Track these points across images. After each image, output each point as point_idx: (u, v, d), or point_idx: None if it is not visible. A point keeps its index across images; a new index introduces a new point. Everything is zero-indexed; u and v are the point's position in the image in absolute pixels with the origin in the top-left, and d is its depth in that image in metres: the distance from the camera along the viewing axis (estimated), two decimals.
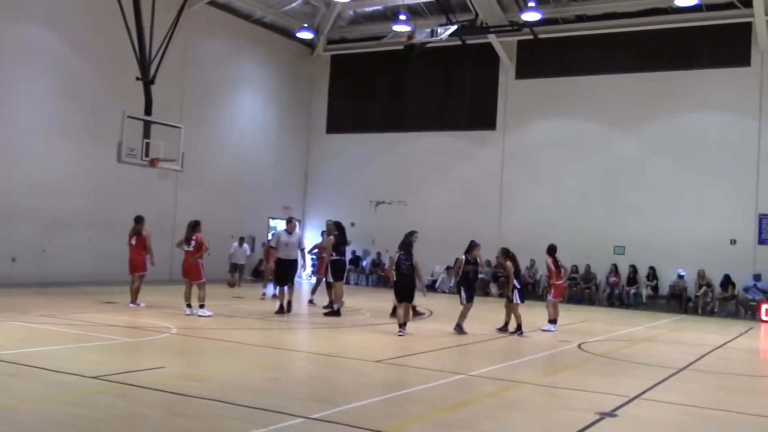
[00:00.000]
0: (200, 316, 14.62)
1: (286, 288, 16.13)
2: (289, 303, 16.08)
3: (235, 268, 24.19)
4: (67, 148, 21.48)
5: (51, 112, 21.29)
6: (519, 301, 14.77)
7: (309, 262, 27.11)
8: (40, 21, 20.93)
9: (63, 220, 21.28)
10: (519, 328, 14.54)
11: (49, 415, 6.69)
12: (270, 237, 21.14)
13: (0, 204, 19.82)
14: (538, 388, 9.49)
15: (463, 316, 14.35)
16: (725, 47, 24.58)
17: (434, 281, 27.57)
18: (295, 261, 16.33)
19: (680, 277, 23.54)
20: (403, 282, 13.59)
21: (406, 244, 13.78)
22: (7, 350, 9.72)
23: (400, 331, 13.40)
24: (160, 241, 20.71)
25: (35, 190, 20.60)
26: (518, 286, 14.90)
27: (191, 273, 15.01)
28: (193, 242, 15.05)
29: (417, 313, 16.36)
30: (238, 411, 7.15)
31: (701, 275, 23.21)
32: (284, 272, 16.11)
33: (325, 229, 18.11)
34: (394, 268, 13.66)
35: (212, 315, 14.74)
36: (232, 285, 23.29)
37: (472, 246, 14.67)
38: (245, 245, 24.59)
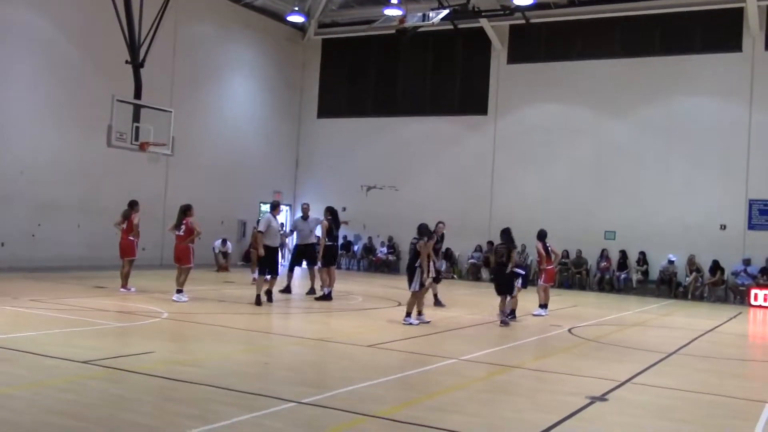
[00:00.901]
0: (175, 301, 14.44)
1: (268, 276, 14.91)
2: (270, 292, 15.04)
3: (222, 255, 24.25)
4: (56, 133, 21.33)
5: (40, 96, 21.12)
6: (521, 286, 14.77)
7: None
8: (28, 4, 20.72)
9: (52, 205, 21.16)
10: (512, 312, 14.54)
11: (39, 400, 6.67)
12: (258, 221, 20.37)
13: None
14: (528, 372, 9.53)
15: (509, 304, 13.97)
16: (717, 32, 24.59)
17: None
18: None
19: (671, 262, 23.63)
20: (407, 268, 13.35)
21: (422, 230, 13.21)
22: None
23: (405, 320, 13.08)
24: (151, 225, 20.71)
25: (25, 174, 20.48)
26: (522, 272, 14.88)
27: (182, 257, 14.96)
28: (183, 227, 14.99)
29: (438, 303, 16.27)
30: (228, 395, 7.15)
31: (691, 261, 23.31)
32: (271, 259, 14.92)
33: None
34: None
35: (187, 300, 14.58)
36: (225, 269, 23.40)
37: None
38: (228, 243, 24.58)
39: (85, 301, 13.97)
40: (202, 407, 6.68)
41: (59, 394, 6.95)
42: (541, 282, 16.00)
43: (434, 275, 14.43)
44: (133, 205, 16.16)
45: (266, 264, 14.80)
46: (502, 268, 13.92)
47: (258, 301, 14.53)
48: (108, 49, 20.63)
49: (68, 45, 21.71)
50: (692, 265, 23.28)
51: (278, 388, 7.72)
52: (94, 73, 21.91)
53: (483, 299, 17.38)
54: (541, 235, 16.08)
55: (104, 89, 19.52)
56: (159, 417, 6.35)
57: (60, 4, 21.41)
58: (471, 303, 16.69)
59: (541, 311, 15.64)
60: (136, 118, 17.66)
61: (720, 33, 24.53)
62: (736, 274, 22.96)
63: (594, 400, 7.76)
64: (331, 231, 16.52)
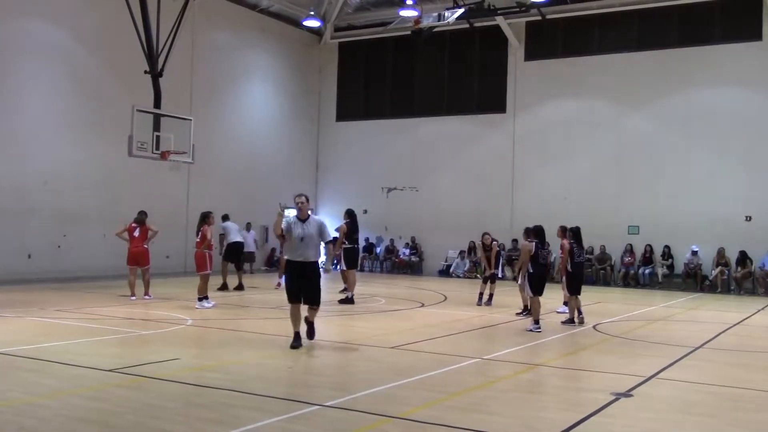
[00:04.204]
0: (197, 308, 14.51)
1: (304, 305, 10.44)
2: (311, 325, 10.60)
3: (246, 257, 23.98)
4: (78, 144, 21.56)
5: (61, 107, 21.37)
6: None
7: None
8: (47, 17, 20.97)
9: (77, 215, 21.39)
10: (525, 309, 14.59)
11: (66, 408, 6.76)
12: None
13: (14, 200, 19.97)
14: (553, 370, 9.48)
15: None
16: (736, 21, 24.31)
17: (449, 266, 27.57)
18: (314, 264, 10.43)
19: (694, 253, 23.35)
20: (541, 274, 13.17)
21: (540, 233, 13.34)
22: (25, 345, 9.85)
23: (534, 327, 12.76)
24: (173, 233, 20.84)
25: (49, 185, 20.74)
26: (530, 270, 14.80)
27: (198, 264, 15.09)
28: (200, 234, 15.18)
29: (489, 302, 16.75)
30: (253, 400, 7.19)
31: (721, 253, 23.01)
32: (299, 282, 10.29)
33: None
34: (528, 260, 13.11)
35: (213, 306, 14.70)
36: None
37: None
38: (252, 231, 23.74)
39: (111, 310, 14.11)
40: (227, 412, 6.72)
41: (85, 402, 7.04)
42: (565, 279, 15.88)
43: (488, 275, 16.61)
44: (145, 214, 16.28)
45: (291, 287, 10.39)
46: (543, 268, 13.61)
47: (295, 342, 10.32)
48: (127, 60, 20.84)
49: (87, 56, 21.94)
50: (721, 258, 22.99)
51: (302, 392, 7.77)
52: (113, 83, 22.15)
53: (506, 298, 17.31)
54: (566, 232, 16.02)
55: (124, 99, 19.73)
56: (184, 423, 6.40)
57: (78, 15, 21.65)
58: (495, 302, 16.69)
59: (565, 309, 15.53)
60: (157, 127, 17.84)
61: (739, 22, 24.25)
62: (763, 265, 22.62)
63: (619, 396, 7.71)
64: (351, 234, 16.58)
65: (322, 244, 10.83)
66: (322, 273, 10.47)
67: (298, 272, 10.29)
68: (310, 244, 10.31)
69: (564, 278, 14.19)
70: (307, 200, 10.70)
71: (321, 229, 10.49)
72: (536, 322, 12.92)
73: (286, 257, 10.63)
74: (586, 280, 23.83)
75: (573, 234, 13.99)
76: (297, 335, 10.37)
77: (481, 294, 16.86)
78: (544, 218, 22.81)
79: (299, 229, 10.32)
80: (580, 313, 13.81)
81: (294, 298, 10.33)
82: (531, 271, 13.22)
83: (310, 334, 10.56)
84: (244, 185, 26.92)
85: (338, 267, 17.12)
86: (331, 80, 31.28)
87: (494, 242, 16.91)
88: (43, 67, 21.00)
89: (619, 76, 25.64)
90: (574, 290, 13.80)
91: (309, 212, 10.62)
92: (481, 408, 7.18)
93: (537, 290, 13.13)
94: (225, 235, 18.90)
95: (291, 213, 10.79)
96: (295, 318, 10.38)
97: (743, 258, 22.73)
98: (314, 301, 10.41)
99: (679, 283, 23.70)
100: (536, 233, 13.43)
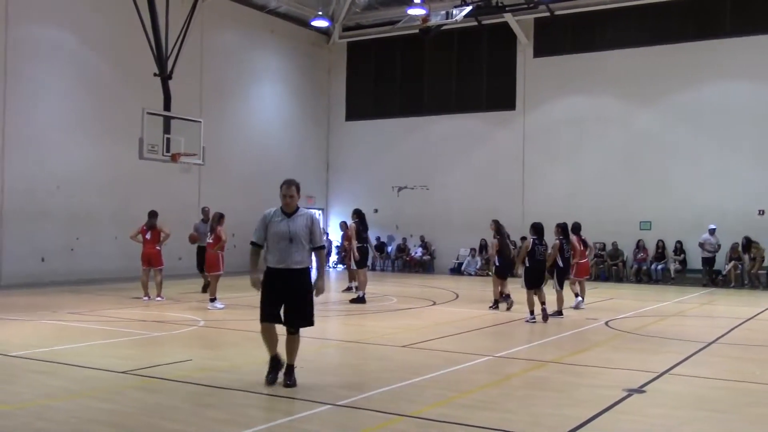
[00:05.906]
0: (209, 309, 14.57)
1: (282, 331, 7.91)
2: (290, 370, 7.81)
3: None
4: (89, 147, 21.66)
5: (72, 111, 21.47)
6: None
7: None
8: (57, 22, 21.08)
9: (89, 218, 21.50)
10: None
11: (78, 410, 6.79)
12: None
13: (27, 203, 20.09)
14: (565, 366, 9.45)
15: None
16: (747, 15, 24.13)
17: (460, 264, 27.54)
18: (303, 272, 7.77)
19: (711, 232, 22.95)
20: (537, 269, 13.64)
21: (539, 230, 13.74)
22: (38, 348, 9.90)
23: (530, 318, 13.48)
24: (185, 234, 20.85)
25: (61, 189, 20.85)
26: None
27: (212, 264, 15.15)
28: (212, 235, 15.25)
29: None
30: (264, 400, 7.21)
31: (734, 248, 22.81)
32: (280, 296, 7.71)
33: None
34: (526, 255, 13.62)
35: (224, 307, 14.72)
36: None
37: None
38: None
39: (124, 312, 14.17)
40: (239, 412, 6.74)
41: (98, 404, 7.06)
42: (571, 276, 15.87)
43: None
44: (156, 215, 16.36)
45: (266, 302, 7.80)
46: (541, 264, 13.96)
47: (272, 371, 7.86)
48: (136, 63, 20.93)
49: (98, 60, 22.04)
50: (734, 253, 22.80)
51: (313, 392, 7.76)
52: (123, 86, 22.23)
53: (519, 296, 17.25)
54: (576, 229, 16.05)
55: (134, 102, 19.81)
56: (196, 423, 6.42)
57: (88, 19, 21.73)
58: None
59: (579, 300, 15.62)
60: (167, 129, 17.92)
61: (750, 15, 24.06)
62: None
63: (632, 392, 7.68)
64: (361, 233, 16.64)
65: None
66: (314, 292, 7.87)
67: (280, 284, 7.66)
68: (296, 246, 7.69)
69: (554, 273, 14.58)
70: (298, 191, 7.96)
71: (311, 227, 7.83)
72: (531, 313, 13.53)
73: (266, 263, 7.90)
74: (598, 276, 24.07)
75: (561, 230, 14.55)
76: (275, 360, 7.80)
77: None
78: (555, 215, 22.73)
79: (282, 225, 7.76)
80: (542, 303, 13.68)
81: (269, 316, 7.69)
82: (527, 265, 13.61)
83: (290, 379, 7.67)
84: (255, 186, 26.91)
85: (348, 266, 17.19)
86: (340, 80, 31.30)
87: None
88: (54, 72, 21.09)
89: (629, 72, 25.50)
90: (562, 284, 14.49)
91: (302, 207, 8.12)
92: (493, 405, 7.17)
93: (530, 284, 13.58)
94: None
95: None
96: (269, 338, 7.83)
97: (748, 243, 22.42)
98: (300, 322, 7.71)
99: (691, 278, 23.55)
100: (535, 230, 13.74)
